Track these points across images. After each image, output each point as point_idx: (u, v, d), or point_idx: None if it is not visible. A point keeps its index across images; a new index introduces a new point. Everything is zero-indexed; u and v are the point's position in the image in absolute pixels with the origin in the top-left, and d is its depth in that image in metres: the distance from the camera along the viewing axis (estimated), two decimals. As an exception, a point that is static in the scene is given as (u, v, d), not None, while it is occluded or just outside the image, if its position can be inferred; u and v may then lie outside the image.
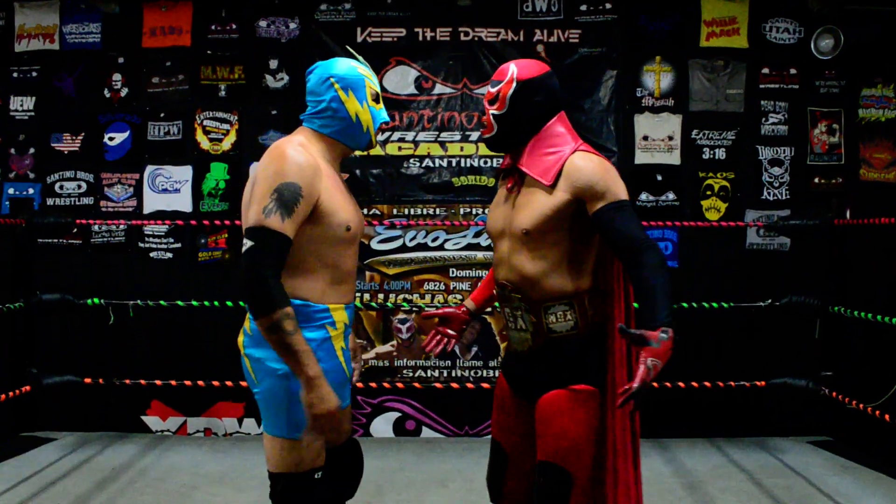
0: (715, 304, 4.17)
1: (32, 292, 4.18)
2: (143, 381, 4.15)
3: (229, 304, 4.06)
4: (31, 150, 4.60)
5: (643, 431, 4.50)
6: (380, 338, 4.53)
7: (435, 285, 4.52)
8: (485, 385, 4.32)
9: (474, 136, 4.49)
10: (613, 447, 1.94)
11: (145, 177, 4.57)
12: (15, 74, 4.59)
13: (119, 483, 3.62)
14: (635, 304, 1.89)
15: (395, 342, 4.53)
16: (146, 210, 4.56)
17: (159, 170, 4.58)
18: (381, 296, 4.51)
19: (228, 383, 4.03)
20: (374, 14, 4.55)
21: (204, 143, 4.57)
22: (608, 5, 4.54)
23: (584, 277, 1.97)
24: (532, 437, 2.00)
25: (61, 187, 4.59)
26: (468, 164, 4.54)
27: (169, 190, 4.57)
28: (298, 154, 1.81)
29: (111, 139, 4.59)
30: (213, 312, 4.13)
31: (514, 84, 1.96)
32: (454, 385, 4.35)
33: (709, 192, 4.56)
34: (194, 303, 4.14)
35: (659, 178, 4.57)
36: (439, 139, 4.55)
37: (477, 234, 4.49)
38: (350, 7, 4.54)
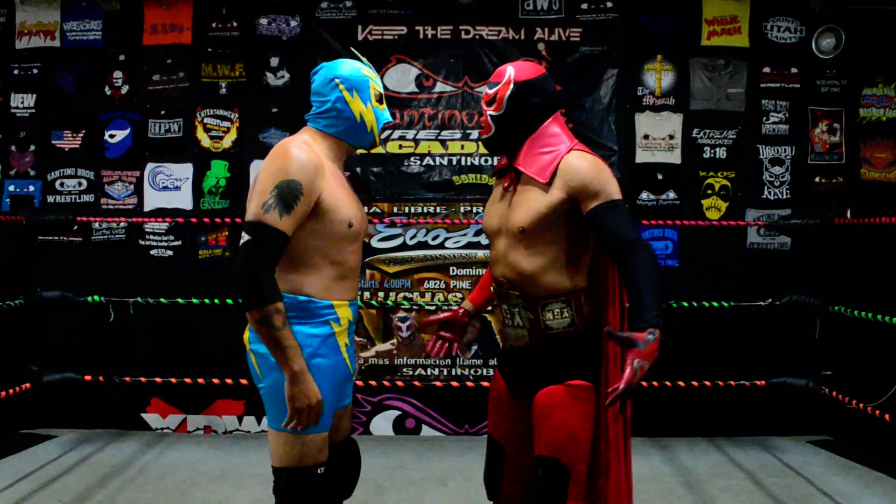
0: (715, 304, 4.17)
1: (33, 289, 4.19)
2: (143, 379, 4.15)
3: (230, 301, 4.06)
4: (32, 148, 4.60)
5: (643, 430, 4.53)
6: (380, 336, 4.53)
7: (435, 284, 4.52)
8: (485, 384, 4.31)
9: (475, 134, 4.49)
10: (606, 441, 1.97)
11: (146, 174, 4.57)
12: (16, 71, 4.59)
13: (119, 480, 3.62)
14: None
15: (395, 340, 4.53)
16: (147, 208, 4.56)
17: (160, 167, 4.58)
18: (381, 294, 4.51)
19: (228, 381, 4.03)
20: (375, 12, 4.55)
21: (204, 140, 4.57)
22: (609, 4, 4.54)
23: (581, 275, 1.99)
24: (528, 433, 2.02)
25: (62, 184, 4.59)
26: (468, 163, 4.54)
27: (169, 187, 4.57)
28: (301, 152, 1.84)
29: (112, 136, 4.59)
30: (213, 310, 4.13)
31: (512, 86, 1.99)
32: (454, 384, 4.35)
33: (709, 192, 4.56)
34: (194, 300, 4.14)
35: (659, 177, 4.56)
36: (440, 137, 4.55)
37: (477, 233, 4.49)
38: (351, 5, 4.54)
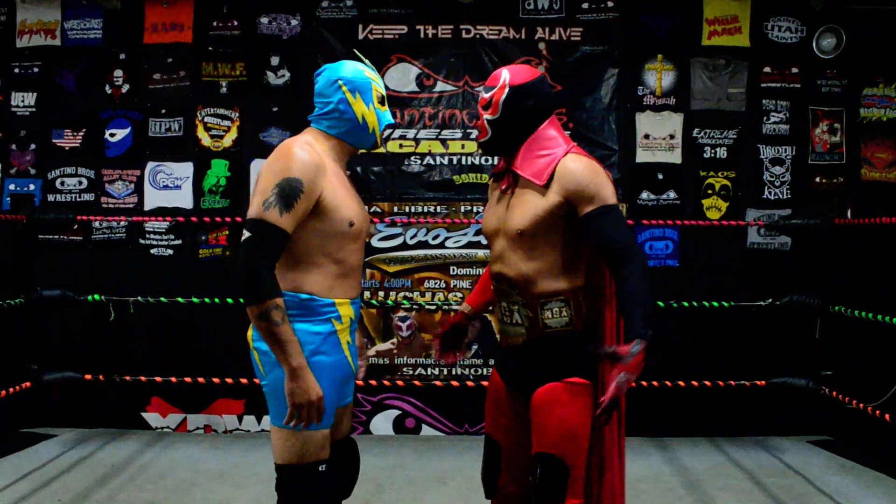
0: (715, 304, 4.17)
1: (33, 288, 4.19)
2: (143, 378, 4.15)
3: (230, 301, 4.06)
4: (32, 146, 4.60)
5: (643, 430, 4.53)
6: (380, 335, 4.53)
7: (435, 283, 4.52)
8: (485, 383, 4.29)
9: (475, 133, 4.48)
10: (601, 438, 1.99)
11: (146, 173, 4.57)
12: (16, 70, 4.59)
13: (119, 479, 3.62)
14: None
15: (395, 340, 4.53)
16: (147, 207, 4.56)
17: (160, 166, 4.57)
18: (381, 293, 4.51)
19: (228, 380, 4.03)
20: (376, 11, 4.54)
21: (205, 139, 4.57)
22: (610, 3, 4.54)
23: (579, 275, 2.02)
24: (526, 431, 2.03)
25: (62, 183, 4.59)
26: (469, 162, 4.53)
27: (170, 186, 4.57)
28: (303, 152, 1.87)
29: (112, 135, 4.59)
30: (213, 309, 4.13)
31: (507, 90, 2.01)
32: (454, 383, 4.35)
33: (710, 191, 4.56)
34: (195, 300, 4.14)
35: (660, 176, 4.56)
36: (440, 137, 4.55)
37: (478, 233, 4.49)
38: (351, 4, 4.54)
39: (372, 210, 4.50)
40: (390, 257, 4.53)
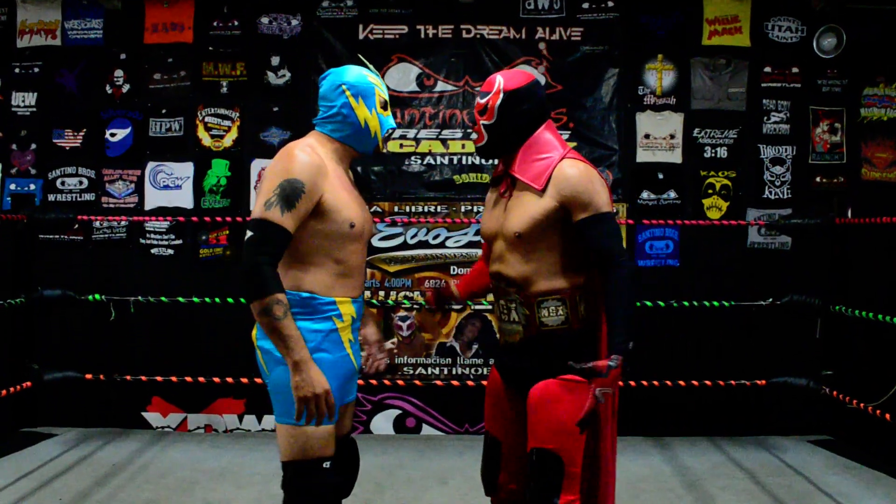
0: (716, 303, 4.17)
1: (33, 288, 4.18)
2: (143, 378, 4.15)
3: (230, 300, 4.06)
4: (33, 146, 4.60)
5: (643, 429, 4.53)
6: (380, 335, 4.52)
7: (436, 283, 4.52)
8: (485, 383, 4.31)
9: (475, 134, 4.47)
10: (595, 436, 2.01)
11: (146, 173, 4.57)
12: (17, 70, 4.59)
13: (119, 479, 3.62)
14: None
15: (395, 339, 4.53)
16: (147, 206, 4.56)
17: (161, 166, 4.58)
18: (381, 293, 4.51)
19: (229, 380, 4.03)
20: (376, 11, 4.54)
21: (205, 139, 4.57)
22: (610, 3, 4.53)
23: (577, 275, 2.05)
24: (525, 428, 2.05)
25: (63, 183, 4.59)
26: (469, 162, 4.54)
27: (170, 186, 4.57)
28: (305, 154, 1.92)
29: (112, 135, 4.59)
30: (213, 309, 4.13)
31: (502, 95, 2.06)
32: (454, 383, 4.35)
33: (710, 191, 4.56)
34: (195, 299, 4.14)
35: (660, 176, 4.56)
36: (441, 136, 4.55)
37: (478, 232, 4.48)
38: (352, 4, 4.54)
39: (372, 210, 4.50)
40: (391, 257, 4.53)
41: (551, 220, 1.99)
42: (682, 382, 4.09)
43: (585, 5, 4.54)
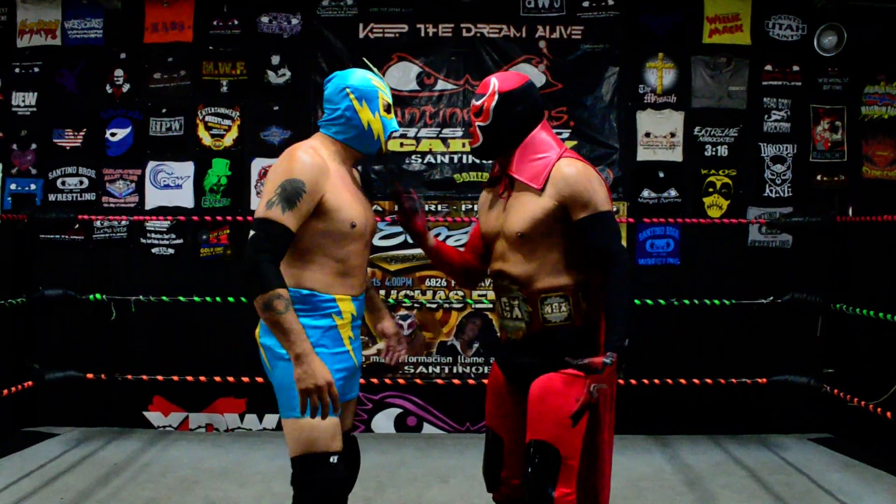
0: (717, 302, 4.17)
1: (34, 288, 4.19)
2: (144, 377, 4.15)
3: (231, 299, 4.06)
4: (33, 146, 4.60)
5: (645, 428, 4.52)
6: (381, 334, 4.52)
7: (436, 282, 4.52)
8: (486, 381, 4.31)
9: (476, 132, 4.48)
10: (592, 431, 2.01)
11: (147, 173, 4.57)
12: (17, 70, 4.59)
13: (121, 478, 3.62)
14: None
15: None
16: (148, 206, 4.56)
17: (161, 166, 4.58)
18: (382, 292, 4.51)
19: (230, 379, 4.03)
20: (376, 10, 4.54)
21: (206, 138, 4.57)
22: (610, 2, 4.53)
23: (579, 272, 2.06)
24: (525, 423, 2.06)
25: (63, 183, 4.59)
26: (470, 161, 4.53)
27: (171, 186, 4.57)
28: (307, 155, 1.96)
29: (113, 135, 4.59)
30: (214, 308, 4.13)
31: (496, 97, 2.11)
32: (455, 381, 4.35)
33: (711, 189, 4.56)
34: (196, 299, 4.14)
35: (661, 174, 4.56)
36: (441, 135, 4.55)
37: (478, 231, 4.48)
38: (352, 3, 4.54)
39: (373, 209, 4.49)
40: (391, 256, 4.53)
41: (552, 219, 2.00)
42: (682, 381, 4.09)
43: (586, 4, 4.53)
